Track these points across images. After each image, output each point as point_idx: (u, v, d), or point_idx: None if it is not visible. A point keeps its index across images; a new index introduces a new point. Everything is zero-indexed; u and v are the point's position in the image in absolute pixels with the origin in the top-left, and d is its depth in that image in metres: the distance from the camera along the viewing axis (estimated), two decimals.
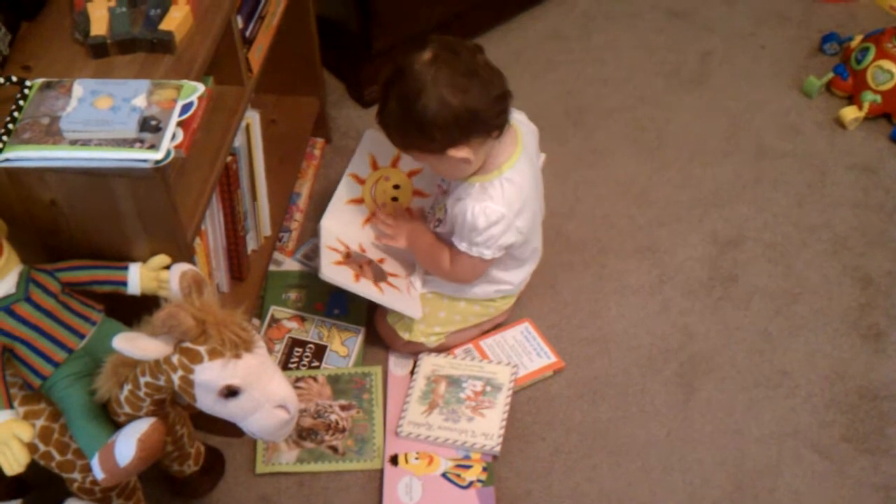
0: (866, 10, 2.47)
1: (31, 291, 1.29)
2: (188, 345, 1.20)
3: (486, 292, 1.76)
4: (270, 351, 1.79)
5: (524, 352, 1.80)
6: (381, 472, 1.65)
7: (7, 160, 1.23)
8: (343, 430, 1.70)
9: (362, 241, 1.83)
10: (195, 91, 1.27)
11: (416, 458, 1.66)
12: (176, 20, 1.37)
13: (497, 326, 1.84)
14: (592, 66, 2.35)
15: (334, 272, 1.70)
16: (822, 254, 1.96)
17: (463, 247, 1.63)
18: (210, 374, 1.20)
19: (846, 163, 2.13)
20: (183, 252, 1.36)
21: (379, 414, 1.72)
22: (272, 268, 1.91)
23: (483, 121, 1.53)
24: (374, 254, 1.82)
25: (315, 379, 1.76)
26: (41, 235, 1.36)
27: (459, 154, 1.55)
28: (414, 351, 1.79)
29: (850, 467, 1.66)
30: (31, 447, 1.30)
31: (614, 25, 2.45)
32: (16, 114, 1.26)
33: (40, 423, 1.32)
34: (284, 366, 1.78)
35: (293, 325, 1.84)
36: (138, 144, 1.21)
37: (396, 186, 1.89)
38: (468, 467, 1.64)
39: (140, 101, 1.25)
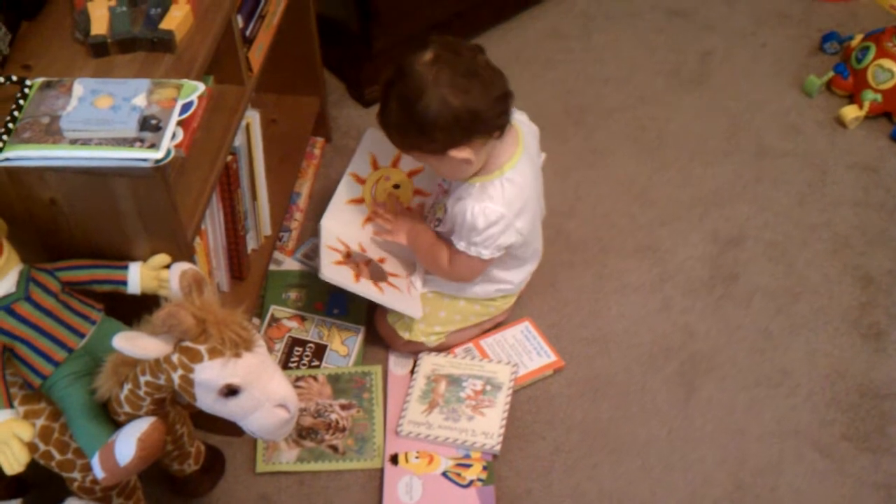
0: (867, 9, 2.46)
1: (32, 291, 1.29)
2: (188, 344, 1.20)
3: (487, 291, 1.76)
4: (270, 350, 1.79)
5: (524, 351, 1.80)
6: (382, 471, 1.65)
7: (7, 159, 1.23)
8: (343, 430, 1.70)
9: (362, 240, 1.83)
10: (195, 90, 1.27)
11: (417, 458, 1.65)
12: (176, 19, 1.37)
13: (497, 325, 1.84)
14: (593, 66, 2.35)
15: (334, 272, 1.70)
16: (822, 253, 1.96)
17: (461, 246, 1.63)
18: (210, 373, 1.20)
19: (847, 162, 2.13)
20: (183, 251, 1.36)
21: (379, 413, 1.71)
22: (272, 267, 1.91)
23: (484, 121, 1.53)
24: (374, 253, 1.81)
25: (315, 378, 1.76)
26: (41, 235, 1.36)
27: (461, 155, 1.55)
28: (414, 350, 1.79)
29: (851, 466, 1.66)
30: (32, 446, 1.30)
31: (614, 25, 2.45)
32: (16, 113, 1.26)
33: (40, 422, 1.32)
34: (284, 365, 1.78)
35: (293, 324, 1.84)
36: (138, 144, 1.21)
37: (397, 186, 1.89)
38: (468, 466, 1.64)
39: (140, 101, 1.25)
